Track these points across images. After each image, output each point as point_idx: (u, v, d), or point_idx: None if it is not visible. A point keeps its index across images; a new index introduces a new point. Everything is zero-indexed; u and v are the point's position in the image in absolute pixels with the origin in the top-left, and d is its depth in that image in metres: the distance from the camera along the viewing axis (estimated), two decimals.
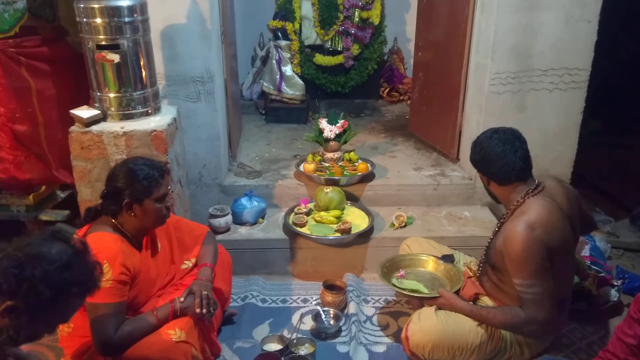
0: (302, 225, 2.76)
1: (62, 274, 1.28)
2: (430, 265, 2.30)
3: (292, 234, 2.75)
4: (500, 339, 1.94)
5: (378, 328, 2.38)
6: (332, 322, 2.35)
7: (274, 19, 4.36)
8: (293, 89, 4.28)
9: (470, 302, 2.01)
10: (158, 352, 1.75)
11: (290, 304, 2.55)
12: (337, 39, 4.46)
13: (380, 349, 2.23)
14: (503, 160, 1.87)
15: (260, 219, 2.90)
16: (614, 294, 2.43)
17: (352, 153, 3.26)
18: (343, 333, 2.32)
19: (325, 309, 2.40)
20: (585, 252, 2.69)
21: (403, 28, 5.02)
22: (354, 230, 2.71)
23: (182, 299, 1.88)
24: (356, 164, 3.16)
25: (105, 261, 1.68)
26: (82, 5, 2.16)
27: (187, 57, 2.74)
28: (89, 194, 2.28)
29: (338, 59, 4.45)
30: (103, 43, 2.19)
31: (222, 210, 2.79)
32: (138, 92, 2.31)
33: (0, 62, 2.55)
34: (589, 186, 3.53)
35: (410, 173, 3.25)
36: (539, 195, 1.88)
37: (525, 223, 1.78)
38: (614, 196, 3.51)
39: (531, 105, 2.89)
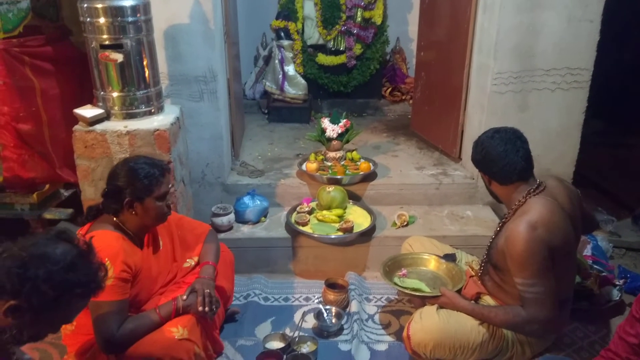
0: (305, 224, 2.77)
1: (66, 275, 1.28)
2: (432, 264, 2.30)
3: (295, 233, 2.76)
4: (502, 338, 1.94)
5: (380, 326, 2.38)
6: (334, 321, 2.36)
7: (277, 18, 4.37)
8: (295, 89, 4.29)
9: (472, 301, 2.02)
10: (160, 349, 1.76)
11: (293, 302, 2.56)
12: (339, 38, 4.47)
13: (382, 347, 2.24)
14: (504, 160, 1.87)
15: (263, 218, 2.91)
16: (615, 293, 2.43)
17: (354, 152, 3.27)
18: (345, 331, 2.33)
19: (327, 307, 2.40)
20: (587, 251, 2.68)
21: (405, 28, 5.03)
22: (356, 229, 2.72)
23: (184, 297, 1.89)
24: (358, 163, 3.17)
25: (106, 259, 1.69)
26: (85, 5, 2.17)
27: (190, 57, 2.75)
28: (92, 193, 2.30)
29: (340, 59, 4.45)
30: (106, 43, 2.20)
31: (224, 209, 2.80)
32: (141, 92, 2.32)
33: (4, 62, 2.56)
34: (591, 186, 3.52)
35: (413, 172, 3.25)
36: (540, 195, 1.88)
37: (527, 223, 1.78)
38: (616, 196, 3.51)
39: (533, 105, 2.89)
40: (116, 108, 2.32)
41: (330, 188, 2.89)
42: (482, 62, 2.95)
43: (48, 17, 2.97)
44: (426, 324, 1.93)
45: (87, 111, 2.29)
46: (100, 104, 2.33)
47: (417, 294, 2.10)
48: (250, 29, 4.67)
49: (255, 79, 4.72)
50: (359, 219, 2.84)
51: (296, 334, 2.25)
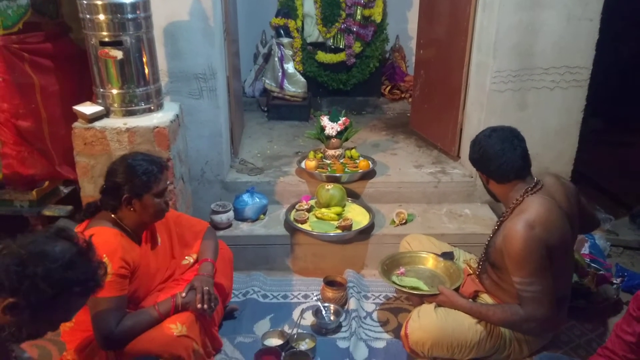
0: (303, 222, 2.77)
1: (64, 273, 1.27)
2: (430, 262, 2.31)
3: (293, 231, 2.77)
4: (500, 336, 1.95)
5: (378, 324, 2.39)
6: (332, 318, 2.36)
7: (276, 16, 4.36)
8: (295, 87, 4.29)
9: (470, 300, 2.02)
10: (159, 346, 1.76)
11: (291, 299, 2.57)
12: (339, 36, 4.46)
13: (380, 344, 2.25)
14: (502, 159, 1.87)
15: (262, 216, 2.91)
16: (613, 291, 2.44)
17: (353, 150, 3.27)
18: (343, 329, 2.33)
19: (326, 304, 2.41)
20: (585, 249, 2.69)
21: (405, 26, 5.02)
22: (355, 227, 2.72)
23: (183, 294, 1.90)
24: (357, 161, 3.17)
25: (104, 255, 1.70)
26: (85, 2, 2.17)
27: (189, 54, 2.75)
28: (91, 190, 2.30)
29: (340, 57, 4.45)
30: (106, 40, 2.20)
31: (223, 207, 2.80)
32: (141, 89, 2.32)
33: (3, 58, 2.56)
34: (589, 184, 3.53)
35: (411, 170, 3.26)
36: (538, 194, 1.88)
37: (524, 222, 1.79)
38: (614, 194, 3.52)
39: (532, 104, 2.89)
40: (116, 105, 2.32)
41: (329, 186, 2.89)
42: (481, 60, 2.96)
43: (47, 14, 2.96)
44: (424, 322, 1.94)
45: (87, 108, 2.29)
46: (100, 101, 2.33)
47: (415, 292, 2.11)
48: (250, 26, 4.67)
49: (255, 76, 4.71)
50: (358, 216, 2.84)
51: (295, 331, 2.25)
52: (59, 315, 1.36)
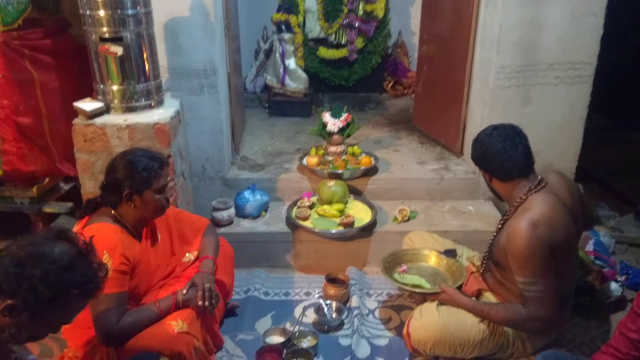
0: (305, 219, 2.76)
1: (63, 275, 1.26)
2: (432, 260, 2.30)
3: (295, 228, 2.75)
4: (503, 334, 1.94)
5: (380, 321, 2.38)
6: (334, 315, 2.35)
7: (278, 11, 4.34)
8: (296, 83, 4.27)
9: (473, 298, 2.01)
10: (160, 342, 1.76)
11: (293, 297, 2.56)
12: (341, 32, 4.44)
13: (382, 342, 2.24)
14: (504, 157, 1.85)
15: (263, 212, 2.90)
16: (617, 288, 2.43)
17: (355, 147, 3.26)
18: (345, 326, 2.32)
19: (328, 302, 2.40)
20: (589, 246, 2.68)
21: (407, 21, 4.99)
22: (357, 224, 2.71)
23: (184, 291, 1.89)
24: (359, 157, 3.16)
25: (105, 251, 1.70)
26: None
27: (190, 50, 2.74)
28: (92, 186, 2.29)
29: (342, 52, 4.42)
30: (106, 36, 2.19)
31: (225, 203, 2.79)
32: (141, 85, 2.31)
33: (3, 55, 2.55)
34: (593, 181, 3.51)
35: (414, 167, 3.24)
36: (541, 192, 1.86)
37: (528, 220, 1.77)
38: (618, 191, 3.50)
39: (536, 100, 2.87)
40: (116, 101, 2.31)
41: (331, 182, 2.88)
42: (484, 56, 2.93)
43: (48, 10, 2.95)
44: (426, 321, 1.93)
45: (87, 104, 2.28)
46: (100, 97, 2.32)
47: (418, 290, 2.10)
48: (251, 22, 4.64)
49: (256, 72, 4.70)
50: (360, 213, 2.83)
51: (296, 328, 2.25)
52: (59, 317, 1.34)
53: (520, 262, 1.79)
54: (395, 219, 2.86)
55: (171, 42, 2.71)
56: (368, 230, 2.75)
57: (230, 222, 2.80)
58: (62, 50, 2.87)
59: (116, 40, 2.20)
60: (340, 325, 2.33)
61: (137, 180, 1.79)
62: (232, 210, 2.80)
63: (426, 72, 3.71)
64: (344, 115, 3.14)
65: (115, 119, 2.27)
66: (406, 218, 2.85)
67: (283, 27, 4.29)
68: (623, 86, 4.15)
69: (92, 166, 2.28)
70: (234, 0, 3.33)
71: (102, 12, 2.15)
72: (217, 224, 2.70)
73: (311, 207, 2.88)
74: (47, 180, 2.94)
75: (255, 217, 2.86)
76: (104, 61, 2.24)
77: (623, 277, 2.52)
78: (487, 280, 2.05)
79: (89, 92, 2.42)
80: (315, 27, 4.46)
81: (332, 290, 2.46)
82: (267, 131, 3.94)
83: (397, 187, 3.10)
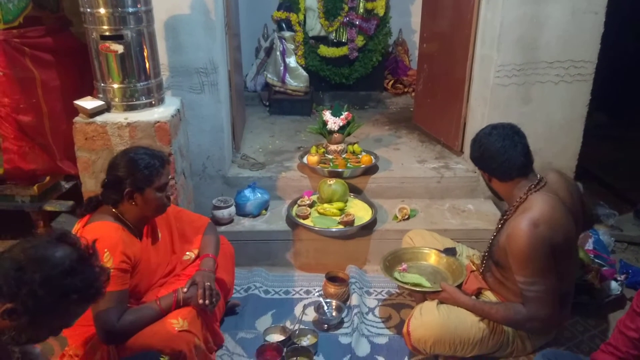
0: (305, 217, 2.76)
1: (63, 280, 1.25)
2: (432, 258, 2.30)
3: (295, 226, 2.76)
4: (503, 333, 1.94)
5: (380, 320, 2.38)
6: (334, 314, 2.36)
7: (278, 10, 4.34)
8: (297, 81, 4.27)
9: (473, 297, 2.01)
10: (161, 341, 1.76)
11: (293, 295, 2.56)
12: (341, 30, 4.44)
13: (382, 340, 2.24)
14: (503, 156, 1.85)
15: (264, 211, 2.91)
16: (616, 287, 2.43)
17: (355, 145, 3.26)
18: (345, 324, 2.33)
19: (328, 300, 2.41)
20: (589, 245, 2.68)
21: (408, 19, 4.98)
22: (357, 223, 2.71)
23: (185, 290, 1.89)
24: (360, 156, 3.16)
25: (106, 250, 1.70)
26: None
27: (190, 49, 2.73)
28: (93, 185, 2.29)
29: (342, 51, 4.42)
30: (107, 34, 2.19)
31: (225, 202, 2.79)
32: (142, 83, 2.31)
33: (4, 53, 2.55)
34: (593, 179, 3.51)
35: (414, 165, 3.24)
36: (541, 191, 1.86)
37: (528, 220, 1.76)
38: (618, 189, 3.50)
39: (536, 98, 2.87)
40: (116, 100, 2.31)
41: (332, 181, 2.88)
42: (485, 54, 2.93)
43: (48, 8, 2.95)
44: (426, 320, 1.93)
45: (88, 103, 2.28)
46: (101, 95, 2.32)
47: (418, 289, 2.10)
48: (252, 20, 4.64)
49: (257, 70, 4.69)
50: (360, 212, 2.83)
51: (297, 326, 2.25)
52: (59, 321, 1.33)
53: (520, 262, 1.79)
54: (395, 217, 2.86)
55: (172, 40, 2.71)
56: (368, 228, 2.76)
57: (230, 221, 2.80)
58: (62, 49, 2.87)
59: (117, 38, 2.19)
60: (340, 323, 2.33)
61: (138, 178, 1.79)
62: (232, 209, 2.80)
63: (426, 71, 3.71)
64: (345, 114, 3.14)
65: (116, 117, 2.27)
66: (406, 216, 2.85)
67: (284, 25, 4.29)
68: (623, 84, 4.15)
69: (92, 164, 2.28)
70: None
71: (102, 10, 2.15)
72: (217, 222, 2.71)
73: (311, 205, 2.89)
74: (48, 178, 2.94)
75: (255, 215, 2.86)
76: (105, 59, 2.23)
77: (623, 277, 2.52)
78: (487, 279, 2.05)
79: (89, 90, 2.42)
80: (315, 25, 4.46)
81: (332, 289, 2.46)
82: (268, 129, 3.94)
83: (397, 185, 3.10)
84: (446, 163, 3.26)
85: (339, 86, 4.57)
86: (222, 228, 2.72)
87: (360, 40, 4.41)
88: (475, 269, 2.13)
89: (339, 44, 4.46)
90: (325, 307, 2.37)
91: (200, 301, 1.88)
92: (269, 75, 4.37)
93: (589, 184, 3.26)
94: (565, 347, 2.16)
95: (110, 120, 2.24)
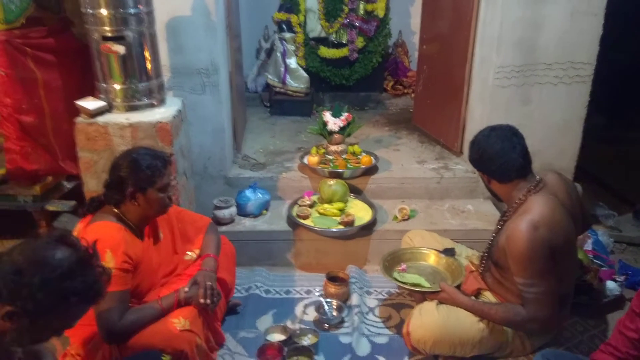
0: (306, 218, 2.77)
1: (62, 283, 1.24)
2: (431, 259, 2.31)
3: (296, 226, 2.77)
4: (502, 333, 1.95)
5: (380, 320, 2.39)
6: (334, 314, 2.37)
7: (279, 11, 4.35)
8: (297, 82, 4.28)
9: (472, 297, 2.02)
10: (162, 340, 1.77)
11: (294, 295, 2.57)
12: (341, 31, 4.44)
13: (382, 340, 2.25)
14: (502, 158, 1.85)
15: (264, 211, 2.92)
16: (615, 288, 2.44)
17: (355, 146, 3.27)
18: (346, 324, 2.34)
19: (328, 300, 2.42)
20: (588, 246, 2.69)
21: (408, 21, 5.00)
22: (357, 223, 2.72)
23: (186, 289, 1.90)
24: (360, 156, 3.17)
25: (108, 250, 1.71)
26: None
27: (192, 49, 2.75)
28: (95, 185, 2.30)
29: (342, 52, 4.43)
30: (108, 34, 2.20)
31: (226, 202, 2.80)
32: (143, 84, 2.32)
33: (6, 53, 2.56)
34: (592, 180, 3.52)
35: (414, 166, 3.25)
36: (541, 193, 1.86)
37: (528, 222, 1.77)
38: (617, 190, 3.51)
39: (535, 99, 2.88)
40: (118, 100, 2.32)
41: (332, 181, 2.89)
42: (484, 55, 2.94)
43: (50, 9, 2.96)
44: (426, 320, 1.94)
45: (89, 103, 2.29)
46: (102, 96, 2.33)
47: (417, 289, 2.11)
48: (252, 21, 4.65)
49: (257, 71, 4.70)
50: (360, 212, 2.84)
51: (297, 326, 2.26)
52: (60, 323, 1.32)
53: (520, 264, 1.80)
54: (395, 217, 2.87)
55: (173, 41, 2.72)
56: (368, 229, 2.77)
57: (231, 221, 2.81)
58: (64, 49, 2.88)
59: (118, 39, 2.21)
60: (341, 323, 2.34)
61: (140, 178, 1.80)
62: (233, 209, 2.81)
63: (426, 72, 3.72)
64: (345, 115, 3.15)
65: (118, 117, 2.28)
66: (406, 217, 2.86)
67: (284, 26, 4.30)
68: (622, 85, 4.15)
69: (94, 165, 2.29)
70: None
71: (104, 11, 2.16)
72: (218, 222, 2.72)
73: (312, 205, 2.90)
74: (50, 178, 2.95)
75: (256, 215, 2.87)
76: (106, 60, 2.25)
77: (622, 278, 2.53)
78: (487, 279, 2.06)
79: (91, 91, 2.42)
80: (316, 27, 4.46)
81: (332, 289, 2.47)
82: (268, 130, 3.95)
83: (397, 186, 3.11)
84: (446, 164, 3.27)
85: (339, 87, 4.58)
86: (223, 228, 2.73)
87: (360, 42, 4.41)
88: (474, 269, 2.14)
89: (339, 45, 4.46)
90: (326, 307, 2.38)
91: (202, 301, 1.88)
92: (269, 76, 4.38)
93: (588, 184, 3.27)
94: (564, 347, 2.17)
95: (111, 121, 2.25)
